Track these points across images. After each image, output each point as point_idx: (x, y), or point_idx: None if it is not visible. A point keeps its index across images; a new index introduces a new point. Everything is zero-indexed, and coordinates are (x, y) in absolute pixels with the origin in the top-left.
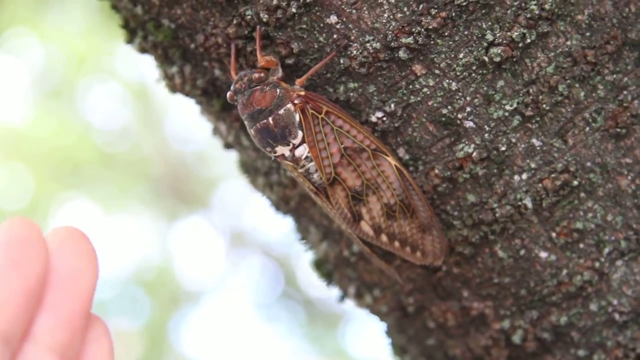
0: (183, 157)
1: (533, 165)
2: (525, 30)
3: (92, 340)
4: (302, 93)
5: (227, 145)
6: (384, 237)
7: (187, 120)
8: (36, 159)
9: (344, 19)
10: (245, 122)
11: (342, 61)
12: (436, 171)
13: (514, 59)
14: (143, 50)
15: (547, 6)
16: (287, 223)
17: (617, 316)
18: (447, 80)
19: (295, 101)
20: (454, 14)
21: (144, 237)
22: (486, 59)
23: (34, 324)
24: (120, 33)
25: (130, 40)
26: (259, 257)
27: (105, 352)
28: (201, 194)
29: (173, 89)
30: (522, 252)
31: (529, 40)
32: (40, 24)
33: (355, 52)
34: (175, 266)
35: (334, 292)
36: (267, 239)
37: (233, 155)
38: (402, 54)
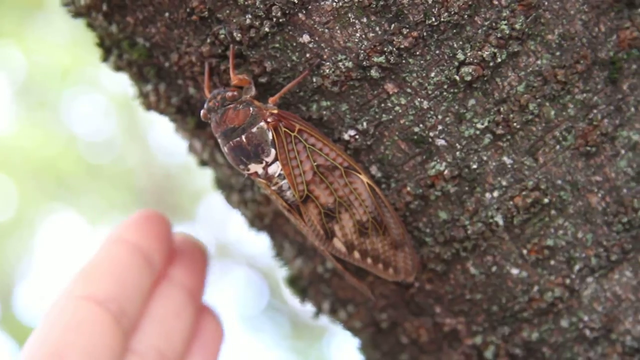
0: (168, 168)
1: (504, 183)
2: (496, 50)
3: (205, 329)
4: (275, 111)
5: (202, 163)
6: (356, 254)
7: (171, 132)
8: (20, 171)
9: (317, 38)
10: (219, 140)
11: (314, 80)
12: (408, 189)
13: (485, 78)
14: (118, 68)
15: (517, 26)
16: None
17: (587, 332)
18: (419, 99)
19: (268, 119)
20: (425, 34)
21: None
22: (457, 78)
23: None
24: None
25: (105, 59)
26: (244, 269)
27: (214, 342)
28: (186, 206)
29: (148, 106)
30: (494, 268)
31: (499, 60)
32: (25, 35)
33: (327, 70)
34: None
35: (309, 307)
36: (252, 251)
37: (216, 190)
38: (374, 72)
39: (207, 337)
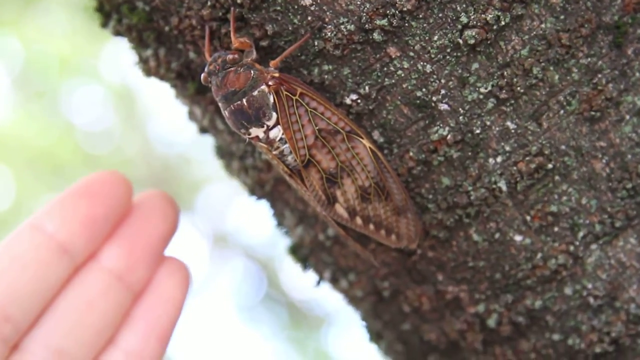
0: (166, 159)
1: (508, 148)
2: (499, 13)
3: (165, 274)
4: (277, 75)
5: (202, 130)
6: (358, 220)
7: (170, 122)
8: (18, 160)
9: (318, 1)
10: (220, 104)
11: (316, 43)
12: (411, 154)
13: (489, 42)
14: (117, 33)
15: None
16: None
17: (591, 300)
18: (422, 63)
19: (270, 83)
20: None
21: None
22: (460, 41)
23: (101, 250)
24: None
25: (104, 24)
26: (242, 260)
27: (176, 285)
28: (184, 197)
29: (148, 72)
30: (497, 235)
31: (503, 23)
32: (23, 24)
33: (329, 34)
34: None
35: (311, 278)
36: (250, 242)
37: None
38: (376, 36)
39: (153, 305)
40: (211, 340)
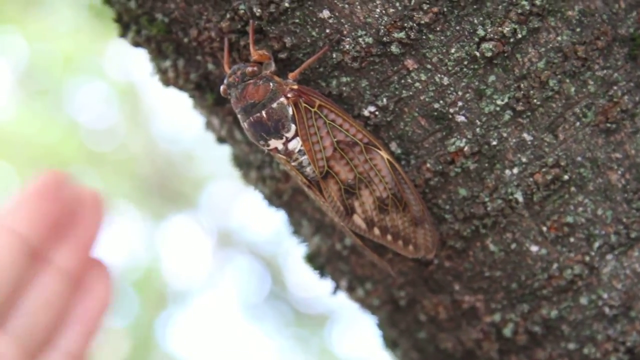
0: (170, 156)
1: (524, 160)
2: (516, 26)
3: (95, 276)
4: (295, 87)
5: (220, 139)
6: (376, 231)
7: (174, 119)
8: (22, 158)
9: (337, 14)
10: (239, 116)
11: (334, 55)
12: (428, 165)
13: (505, 54)
14: (136, 44)
15: (537, 2)
16: (275, 221)
17: (607, 310)
18: (439, 75)
19: (289, 95)
20: (445, 9)
21: (131, 236)
22: (478, 54)
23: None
24: (107, 32)
25: (123, 34)
26: (246, 257)
27: (105, 287)
28: (188, 194)
29: (166, 82)
30: (513, 245)
31: (520, 36)
32: (28, 23)
33: (347, 46)
34: (163, 265)
35: (326, 285)
36: (255, 239)
37: (220, 155)
38: (394, 48)
39: (88, 306)
40: (215, 338)
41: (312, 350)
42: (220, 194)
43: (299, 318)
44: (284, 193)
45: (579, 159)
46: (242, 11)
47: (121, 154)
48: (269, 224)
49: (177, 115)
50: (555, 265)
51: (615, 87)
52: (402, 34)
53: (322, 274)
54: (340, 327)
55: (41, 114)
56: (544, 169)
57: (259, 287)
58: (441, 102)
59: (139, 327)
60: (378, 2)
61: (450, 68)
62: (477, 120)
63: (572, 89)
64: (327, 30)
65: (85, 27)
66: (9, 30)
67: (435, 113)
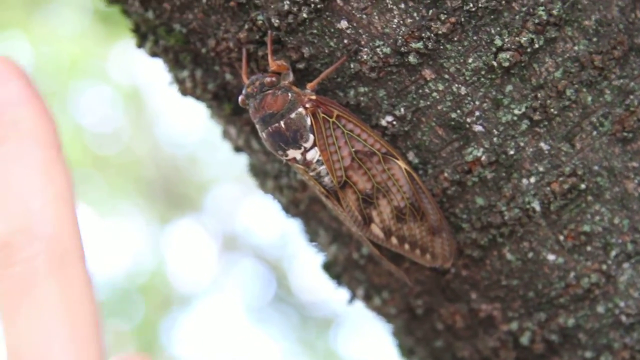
0: (175, 160)
1: (541, 169)
2: (533, 36)
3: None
4: (313, 97)
5: (237, 149)
6: (394, 240)
7: (179, 123)
8: None
9: (355, 24)
10: (257, 126)
11: (352, 66)
12: (445, 174)
13: (523, 64)
14: (154, 54)
15: (555, 12)
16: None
17: (623, 318)
18: (456, 85)
19: (307, 105)
20: (463, 20)
21: (136, 239)
22: (495, 63)
23: None
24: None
25: (140, 45)
26: (251, 260)
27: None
28: (193, 197)
29: (184, 92)
30: (530, 254)
31: (537, 46)
32: (33, 26)
33: (365, 56)
34: (168, 269)
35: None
36: (260, 242)
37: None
38: (412, 58)
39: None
40: (221, 341)
41: (318, 354)
42: (225, 198)
43: (304, 321)
44: (301, 202)
45: (595, 168)
46: (260, 22)
47: (126, 158)
48: (274, 227)
49: (182, 119)
50: (572, 274)
51: (631, 96)
52: (419, 44)
53: (339, 282)
54: (346, 331)
55: None
56: (561, 178)
57: (264, 291)
58: (458, 111)
59: (145, 330)
60: (396, 12)
61: (467, 78)
62: (495, 130)
63: (589, 99)
64: (345, 41)
65: (90, 31)
66: (14, 34)
67: (453, 123)
